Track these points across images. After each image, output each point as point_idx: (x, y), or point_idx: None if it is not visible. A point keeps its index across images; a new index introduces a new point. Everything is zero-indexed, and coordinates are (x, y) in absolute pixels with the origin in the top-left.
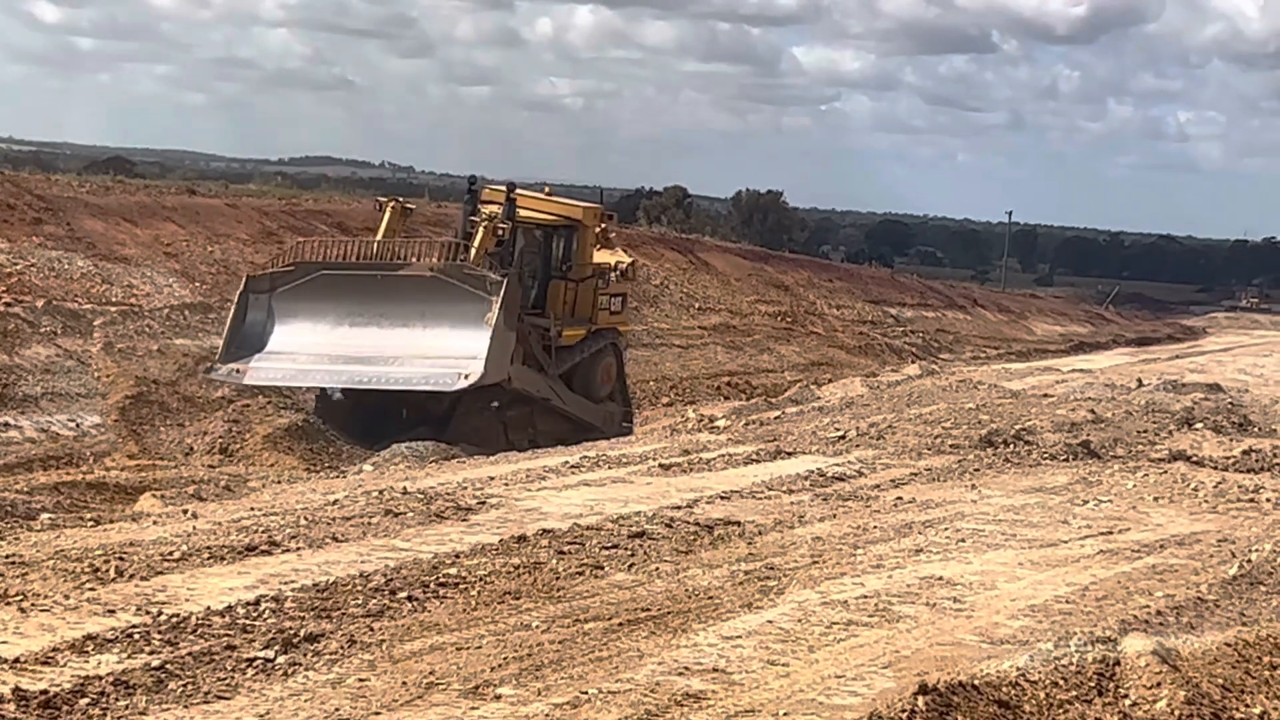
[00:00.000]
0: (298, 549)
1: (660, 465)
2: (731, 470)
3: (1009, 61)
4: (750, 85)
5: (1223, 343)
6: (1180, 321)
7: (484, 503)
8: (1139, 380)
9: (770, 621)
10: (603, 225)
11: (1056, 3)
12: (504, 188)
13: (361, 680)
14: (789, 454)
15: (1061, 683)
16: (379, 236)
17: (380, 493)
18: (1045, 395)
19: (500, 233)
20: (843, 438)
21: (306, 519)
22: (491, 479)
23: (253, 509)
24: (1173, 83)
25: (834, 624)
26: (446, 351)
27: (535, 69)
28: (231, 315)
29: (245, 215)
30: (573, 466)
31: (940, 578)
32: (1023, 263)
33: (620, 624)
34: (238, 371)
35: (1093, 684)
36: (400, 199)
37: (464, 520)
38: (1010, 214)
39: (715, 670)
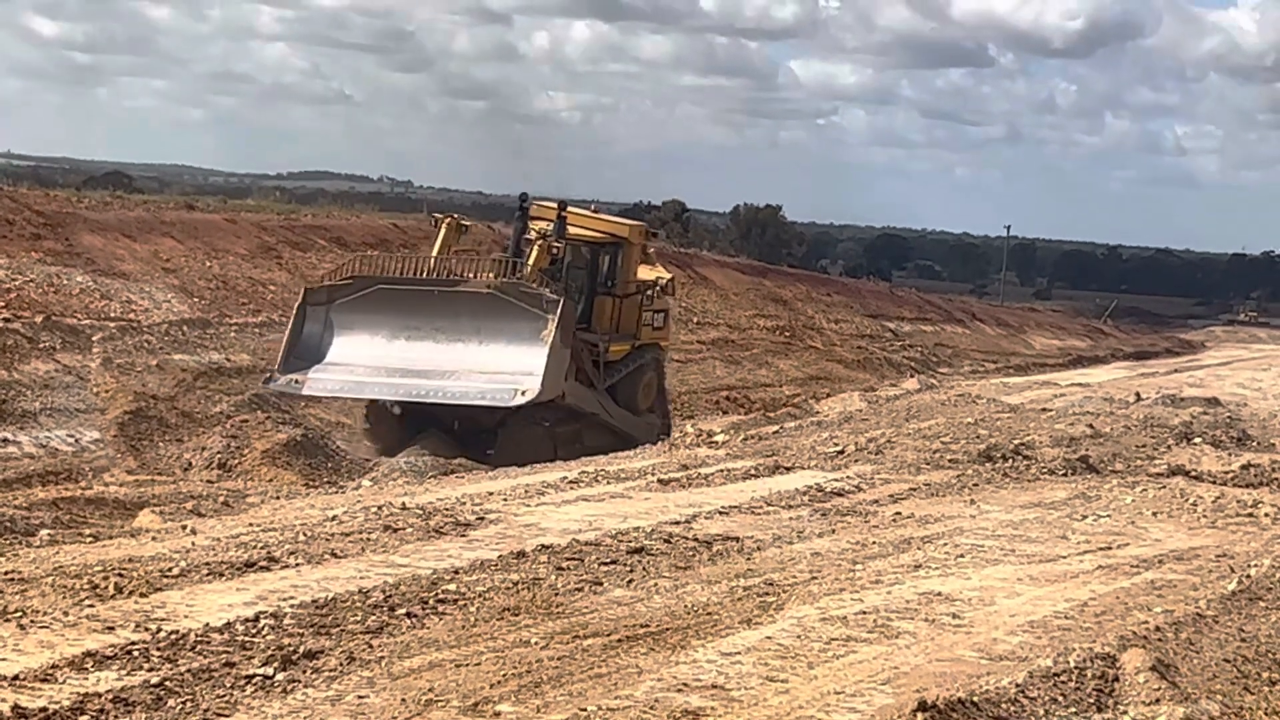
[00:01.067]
0: (296, 565)
1: (659, 480)
2: (730, 485)
3: (1006, 75)
4: (747, 99)
5: (1221, 357)
6: (1178, 335)
7: (483, 518)
8: (1137, 394)
9: (769, 638)
10: (646, 242)
11: (1053, 16)
12: (554, 205)
13: (360, 697)
14: (787, 469)
15: (1060, 699)
16: (434, 252)
17: (379, 508)
18: (1044, 409)
19: (555, 251)
20: (841, 453)
21: (305, 535)
22: (490, 495)
23: (251, 525)
24: (1170, 96)
25: (833, 640)
26: (503, 367)
27: (532, 83)
28: (290, 326)
29: (244, 230)
30: (571, 482)
31: (939, 593)
32: (1021, 276)
33: (619, 640)
34: (296, 382)
35: (1092, 700)
36: (455, 216)
37: (463, 536)
38: (1009, 228)
39: (714, 687)
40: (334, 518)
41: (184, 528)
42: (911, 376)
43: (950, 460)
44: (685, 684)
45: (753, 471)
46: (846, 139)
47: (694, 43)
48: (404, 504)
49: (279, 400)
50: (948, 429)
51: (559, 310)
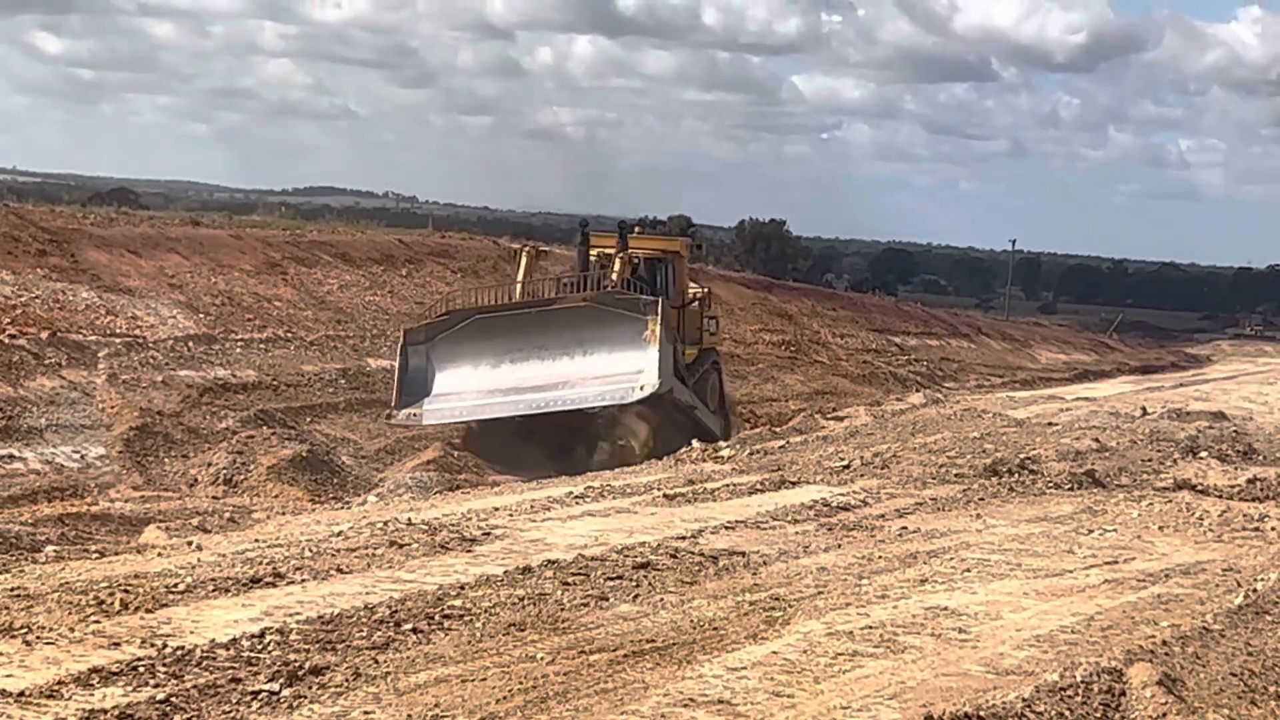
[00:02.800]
0: (302, 581)
1: (665, 495)
2: (736, 500)
3: (1009, 89)
4: (751, 114)
5: (1227, 370)
6: (1184, 349)
7: (489, 534)
8: (1143, 408)
9: (775, 652)
10: (691, 256)
11: (1055, 30)
12: (615, 229)
13: (366, 713)
14: (793, 484)
15: (1067, 713)
16: (519, 278)
17: (385, 524)
18: (1050, 424)
19: (636, 262)
20: (847, 467)
21: (311, 550)
22: (496, 510)
23: (257, 540)
24: (1173, 110)
25: (839, 655)
26: (613, 370)
27: (536, 98)
28: (398, 366)
29: (249, 246)
30: (577, 497)
31: (945, 608)
32: (1026, 291)
33: (625, 655)
34: (415, 415)
35: (1098, 714)
36: (534, 244)
37: (469, 551)
38: (1014, 242)
39: (720, 702)
40: (340, 533)
41: (190, 544)
42: (917, 391)
43: (956, 475)
44: (691, 699)
45: (759, 486)
46: (850, 153)
47: (697, 58)
48: (410, 519)
49: (283, 416)
50: (953, 443)
51: (659, 311)
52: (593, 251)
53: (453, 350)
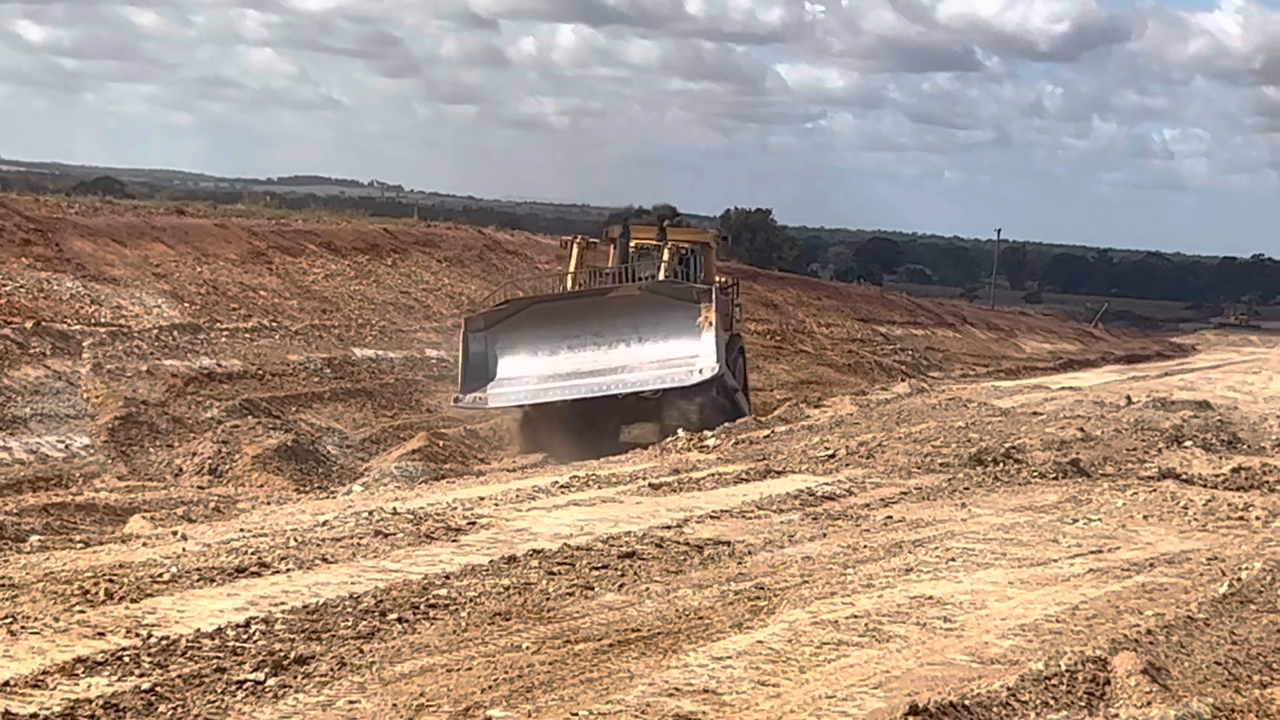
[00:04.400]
0: (287, 570)
1: (650, 485)
2: (721, 489)
3: (993, 79)
4: (735, 103)
5: (1212, 360)
6: (1169, 339)
7: (474, 523)
8: (1128, 398)
9: (760, 642)
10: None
11: (1038, 20)
12: (655, 222)
13: (352, 702)
14: (779, 473)
15: (1052, 702)
16: (571, 269)
17: (370, 513)
18: (1035, 413)
19: (684, 251)
20: (832, 456)
21: (296, 540)
22: (481, 499)
23: (242, 530)
24: (1156, 100)
25: (824, 644)
26: (670, 355)
27: (520, 88)
28: (460, 353)
29: (234, 235)
30: (562, 486)
31: (930, 597)
32: (1011, 280)
33: (610, 645)
34: (480, 398)
35: (1083, 703)
36: (584, 237)
37: (454, 541)
38: (999, 231)
39: (706, 691)
40: (325, 523)
41: (175, 533)
42: (902, 380)
43: (941, 464)
44: (677, 688)
45: (744, 475)
46: (835, 143)
47: (681, 47)
48: (395, 509)
49: (269, 405)
50: (938, 433)
51: (713, 298)
52: (632, 243)
53: (512, 337)
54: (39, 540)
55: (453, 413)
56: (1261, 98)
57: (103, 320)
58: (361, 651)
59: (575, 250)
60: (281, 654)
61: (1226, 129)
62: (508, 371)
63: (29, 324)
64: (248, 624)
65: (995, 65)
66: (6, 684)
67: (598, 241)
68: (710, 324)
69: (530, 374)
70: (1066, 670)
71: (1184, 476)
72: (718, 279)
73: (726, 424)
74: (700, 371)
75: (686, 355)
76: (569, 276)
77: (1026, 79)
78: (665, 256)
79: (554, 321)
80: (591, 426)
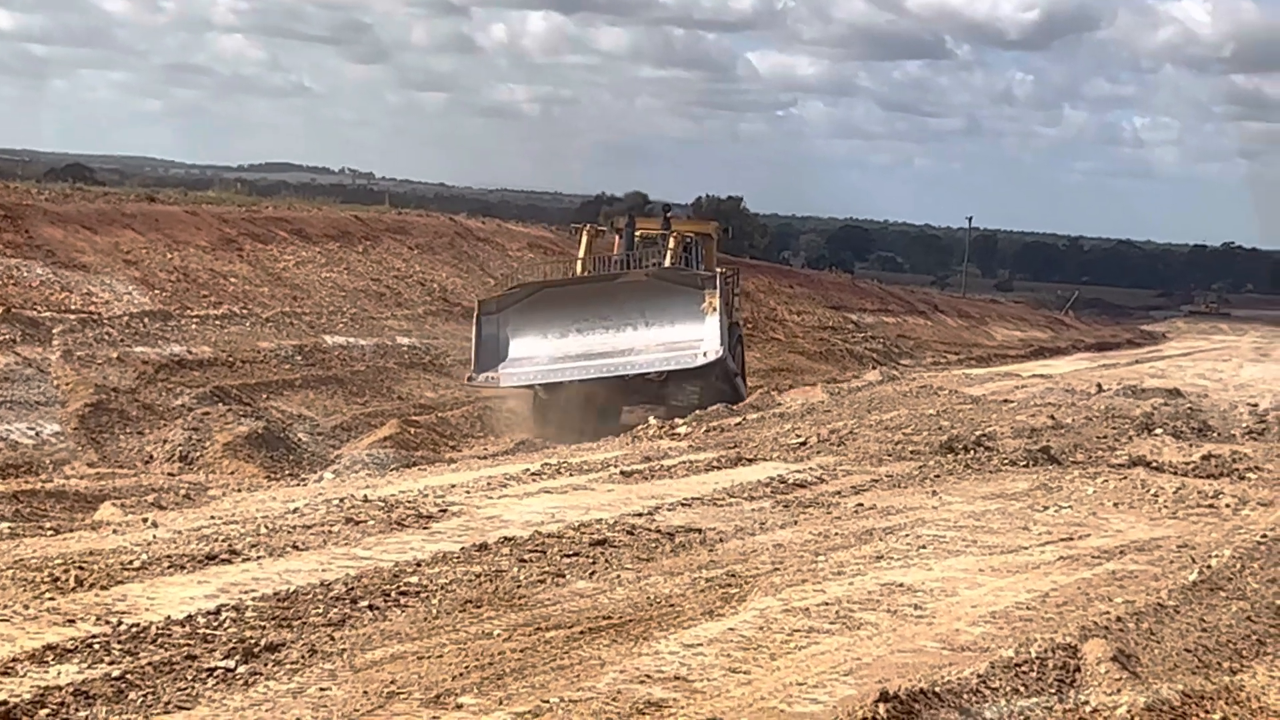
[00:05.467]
0: (258, 558)
1: (621, 472)
2: (693, 477)
3: (963, 67)
4: (706, 91)
5: (1182, 348)
6: (1140, 326)
7: (445, 510)
8: (1099, 385)
9: (732, 629)
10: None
11: (1008, 8)
12: (659, 213)
13: (322, 690)
14: (750, 461)
15: (1022, 689)
16: (581, 255)
17: (341, 501)
18: (1005, 401)
19: (689, 240)
20: (804, 444)
21: (267, 527)
22: (453, 487)
23: (213, 517)
24: (1126, 88)
25: (795, 631)
26: (676, 339)
27: (491, 75)
28: (474, 334)
29: (205, 222)
30: (534, 474)
31: (901, 584)
32: (983, 268)
33: (582, 632)
34: (492, 378)
35: (1053, 690)
36: (593, 225)
37: (425, 528)
38: (970, 219)
39: (677, 678)
40: (296, 510)
41: (145, 520)
42: (874, 368)
43: (912, 451)
44: (648, 675)
45: (715, 463)
46: (806, 131)
47: (651, 35)
48: (366, 496)
49: (239, 392)
50: (910, 420)
51: (717, 285)
52: (637, 233)
53: (523, 320)
54: (8, 527)
55: (424, 400)
56: (1230, 86)
57: (73, 307)
58: (332, 639)
59: (585, 237)
60: (252, 641)
61: (1196, 117)
62: (519, 352)
63: None
64: (218, 611)
65: (966, 53)
66: None
67: (605, 230)
68: (714, 310)
69: (540, 355)
70: (1037, 657)
71: (1154, 464)
72: (724, 268)
73: (698, 411)
74: (704, 355)
75: (691, 339)
76: (578, 263)
77: (997, 67)
78: (671, 245)
79: (563, 305)
80: (599, 406)
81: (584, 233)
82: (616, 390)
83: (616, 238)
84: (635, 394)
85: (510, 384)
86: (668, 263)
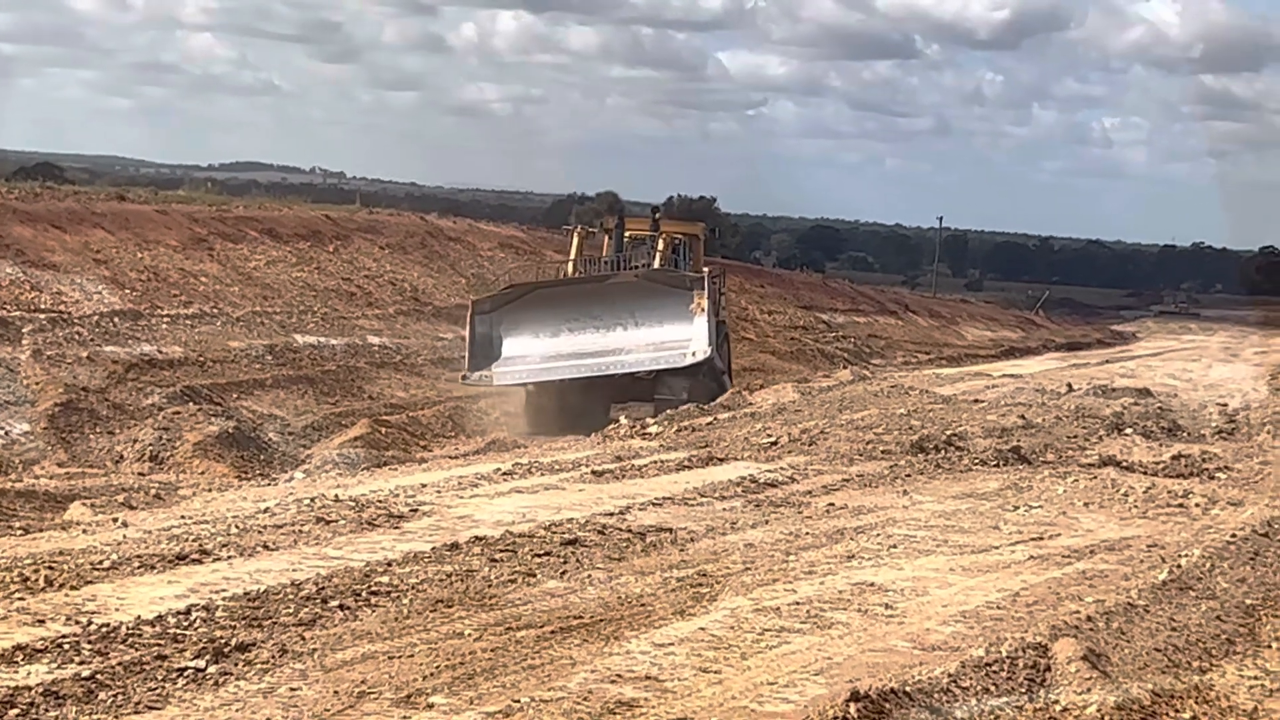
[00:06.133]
0: (229, 557)
1: (592, 472)
2: (664, 477)
3: (933, 67)
4: (676, 90)
5: (1153, 347)
6: (1110, 326)
7: (416, 510)
8: (1069, 385)
9: (703, 629)
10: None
11: (978, 7)
12: (648, 214)
13: (293, 690)
14: (721, 460)
15: (993, 688)
16: (572, 256)
17: (312, 500)
18: (976, 400)
19: (678, 243)
20: (775, 444)
21: (237, 527)
22: (424, 486)
23: (183, 517)
24: (1096, 88)
25: (766, 631)
26: (665, 338)
27: (461, 74)
28: (468, 334)
29: (175, 222)
30: (505, 474)
31: (872, 584)
32: (953, 268)
33: (553, 632)
34: (486, 376)
35: (1023, 689)
36: (584, 226)
37: (396, 528)
38: (941, 219)
39: (648, 678)
40: (266, 510)
41: (115, 520)
42: (845, 368)
43: (883, 451)
44: (619, 675)
45: (686, 463)
46: (777, 130)
47: (621, 34)
48: (337, 496)
49: (210, 392)
50: (880, 420)
51: (705, 286)
52: (627, 234)
53: (515, 320)
54: None
55: (395, 399)
56: (1199, 86)
57: (42, 306)
58: (303, 639)
59: (576, 239)
60: (223, 641)
61: (1165, 117)
62: (511, 351)
63: None
64: (189, 611)
65: (935, 53)
66: None
67: (595, 231)
68: (702, 310)
69: (533, 354)
70: (1007, 656)
71: (1124, 464)
72: (712, 268)
73: (669, 411)
74: (693, 355)
75: (680, 339)
76: (569, 263)
77: (967, 67)
78: (660, 246)
79: (555, 306)
80: (589, 404)
81: (575, 234)
82: (607, 388)
83: (606, 238)
84: (625, 391)
85: (504, 382)
86: (657, 263)
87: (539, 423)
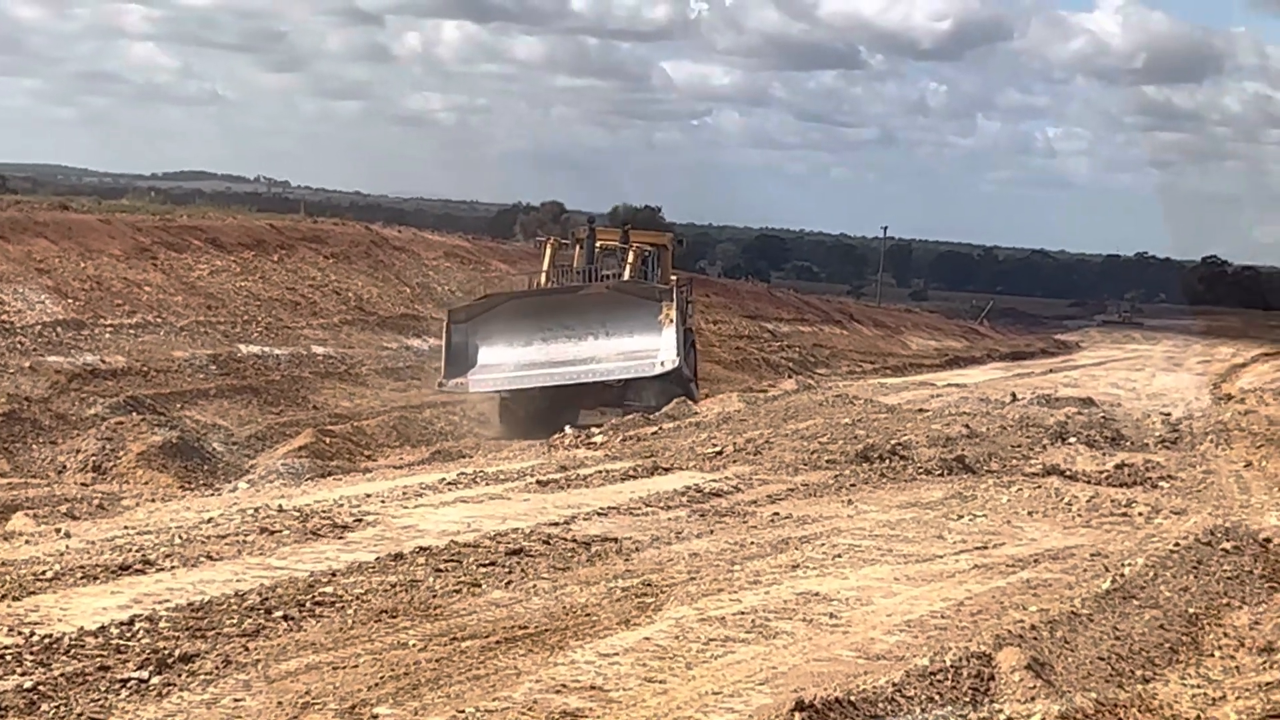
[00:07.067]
0: (172, 568)
1: (538, 482)
2: (609, 486)
3: (877, 77)
4: (621, 100)
5: (1096, 357)
6: (1054, 336)
7: (360, 520)
8: (1013, 394)
9: (648, 638)
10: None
11: (921, 18)
12: (619, 227)
13: (237, 700)
14: (666, 470)
15: (937, 698)
16: (545, 267)
17: (256, 510)
18: (920, 410)
19: (646, 254)
20: (719, 453)
21: (181, 537)
22: (368, 496)
23: (127, 527)
24: (1039, 99)
25: (711, 641)
26: (635, 348)
27: (406, 84)
28: (444, 342)
29: (119, 231)
30: (450, 484)
31: (817, 593)
32: (898, 277)
33: (498, 642)
34: (461, 383)
35: (968, 698)
36: (556, 238)
37: (340, 538)
38: (885, 229)
39: (593, 688)
40: (210, 520)
41: (58, 531)
42: (790, 377)
43: (828, 461)
44: (564, 685)
45: (631, 472)
46: (722, 140)
47: (566, 44)
48: (281, 506)
49: (154, 402)
50: (825, 429)
51: (674, 297)
52: (598, 245)
53: (490, 329)
54: None
55: (340, 409)
56: (1141, 97)
57: None
58: (247, 649)
59: (549, 250)
60: (166, 652)
61: (1108, 128)
62: (486, 359)
63: None
64: (132, 622)
65: (879, 63)
66: None
67: (568, 243)
68: (671, 321)
69: (507, 362)
70: (951, 666)
71: (1068, 473)
72: (679, 278)
73: (615, 421)
74: (662, 364)
75: (649, 348)
76: (542, 274)
77: (910, 77)
78: (630, 258)
79: (529, 315)
80: (561, 411)
81: (548, 245)
82: (579, 396)
83: (578, 249)
84: (595, 399)
85: (479, 389)
86: (627, 274)
87: (512, 429)
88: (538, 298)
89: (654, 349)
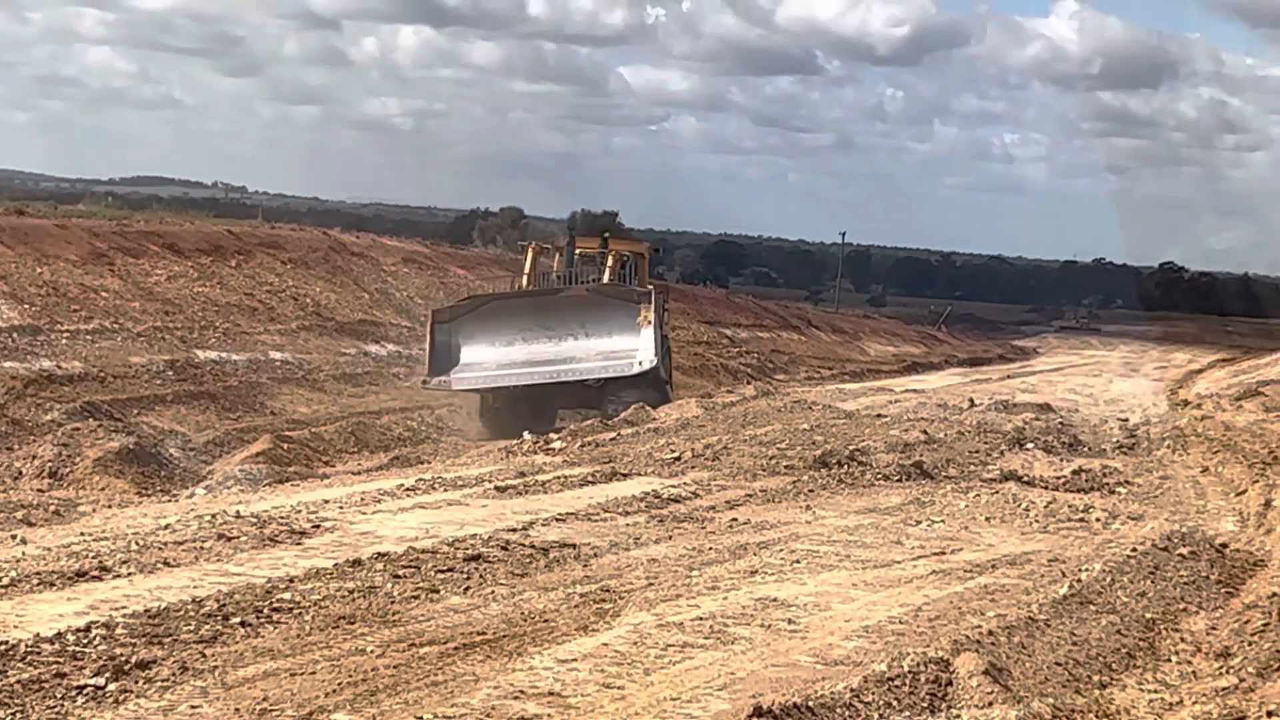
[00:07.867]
0: (129, 574)
1: (496, 488)
2: (567, 492)
3: (834, 83)
4: (579, 105)
5: (1054, 363)
6: (1012, 342)
7: (318, 526)
8: (971, 400)
9: (606, 644)
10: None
11: (878, 24)
12: (597, 234)
13: (194, 707)
14: (625, 476)
15: (895, 703)
16: (527, 270)
17: (213, 516)
18: (879, 416)
19: (625, 259)
20: (678, 459)
21: (138, 544)
22: (326, 502)
23: (83, 534)
24: (996, 104)
25: (669, 646)
26: (613, 349)
27: (363, 89)
28: (428, 341)
29: (75, 236)
30: (408, 489)
31: (775, 599)
32: (856, 283)
33: (456, 648)
34: (444, 381)
35: (925, 704)
36: (538, 243)
37: (298, 544)
38: (844, 235)
39: (551, 694)
40: (167, 526)
41: (14, 537)
42: (748, 383)
43: (786, 466)
44: (522, 691)
45: (590, 478)
46: (680, 145)
47: (523, 49)
48: (238, 512)
49: (110, 408)
50: (784, 435)
51: (652, 300)
52: (577, 251)
53: (473, 329)
54: None
55: (298, 415)
56: (1097, 103)
57: None
58: (204, 656)
59: (531, 254)
60: (122, 659)
61: (1065, 133)
62: (469, 359)
63: None
64: (88, 628)
65: (836, 69)
66: None
67: (550, 248)
68: (649, 323)
69: (489, 361)
70: (909, 671)
71: (1025, 479)
72: (655, 284)
73: (573, 426)
74: (640, 364)
75: (627, 349)
76: (524, 277)
77: (868, 82)
78: (609, 262)
79: (511, 316)
80: (541, 409)
81: (530, 249)
82: (558, 395)
83: (558, 255)
84: (574, 398)
85: (461, 388)
86: (606, 278)
87: (494, 426)
88: (519, 299)
89: (632, 349)
